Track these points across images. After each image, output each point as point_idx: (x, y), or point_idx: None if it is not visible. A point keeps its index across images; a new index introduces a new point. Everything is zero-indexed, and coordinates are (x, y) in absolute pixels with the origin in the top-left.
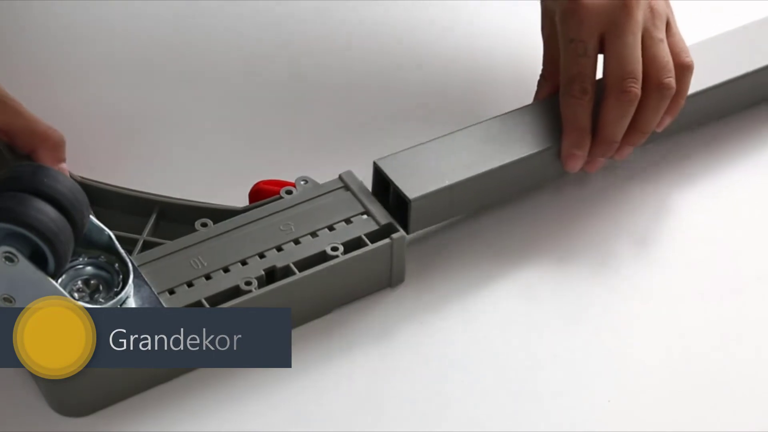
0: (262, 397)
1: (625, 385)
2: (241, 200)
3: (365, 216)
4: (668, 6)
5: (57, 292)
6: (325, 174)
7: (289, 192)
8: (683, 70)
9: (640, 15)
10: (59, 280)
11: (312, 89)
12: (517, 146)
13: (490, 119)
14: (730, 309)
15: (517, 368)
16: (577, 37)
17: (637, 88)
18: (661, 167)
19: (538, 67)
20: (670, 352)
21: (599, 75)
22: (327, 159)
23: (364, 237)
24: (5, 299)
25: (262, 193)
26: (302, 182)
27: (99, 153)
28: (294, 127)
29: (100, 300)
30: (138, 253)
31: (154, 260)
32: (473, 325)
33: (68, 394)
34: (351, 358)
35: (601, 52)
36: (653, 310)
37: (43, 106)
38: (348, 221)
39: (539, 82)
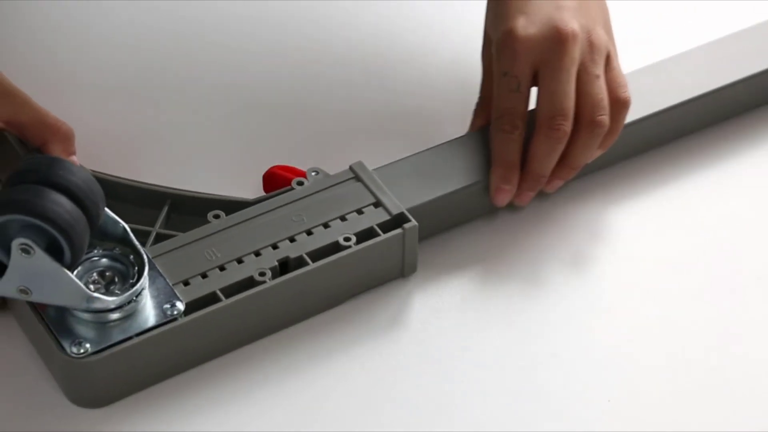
0: (277, 386)
1: (625, 385)
2: (252, 192)
3: (377, 206)
4: (610, 39)
5: (73, 284)
6: (336, 165)
7: (300, 183)
8: (619, 105)
9: (576, 50)
10: (75, 272)
11: (323, 81)
12: (448, 180)
13: (421, 152)
14: (728, 309)
15: (519, 365)
16: (511, 71)
17: (566, 126)
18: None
19: None
20: (669, 352)
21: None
22: (338, 150)
23: (376, 227)
24: (21, 291)
25: (276, 178)
26: (313, 173)
27: (110, 146)
28: (305, 119)
29: (116, 292)
30: (151, 245)
31: (168, 252)
32: (483, 316)
33: (83, 384)
34: (364, 347)
35: (535, 85)
36: (653, 311)
37: (53, 100)
38: (359, 212)
39: (475, 111)
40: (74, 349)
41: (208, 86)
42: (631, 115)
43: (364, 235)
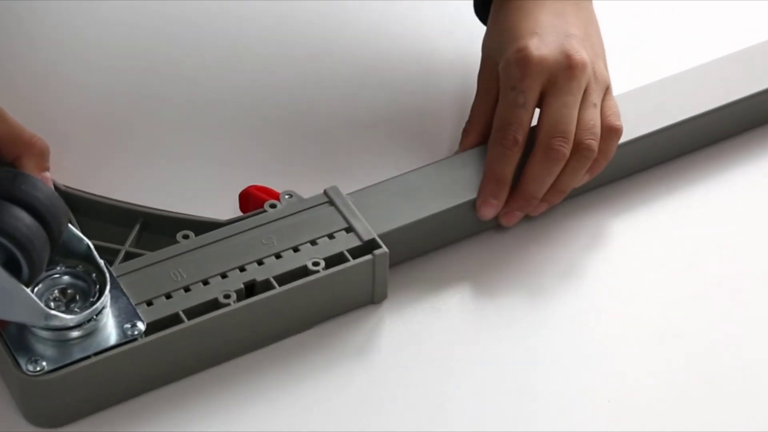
0: (240, 411)
1: (625, 385)
2: (227, 213)
3: (348, 231)
4: (607, 69)
5: (30, 301)
6: (312, 188)
7: (273, 206)
8: (611, 132)
9: (583, 79)
10: (35, 289)
11: (299, 104)
12: (422, 206)
13: (396, 177)
14: (730, 310)
15: (493, 391)
16: (519, 86)
17: (566, 149)
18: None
19: None
20: (669, 352)
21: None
22: (314, 173)
23: (346, 252)
24: None
25: (251, 197)
26: (287, 196)
27: (84, 162)
28: (281, 140)
29: (76, 310)
30: (118, 264)
31: (133, 271)
32: (457, 341)
33: (39, 403)
34: (331, 374)
35: (538, 107)
36: (652, 312)
37: (27, 114)
38: (331, 236)
39: (465, 129)
40: (30, 367)
41: (190, 103)
42: (627, 135)
43: (334, 260)
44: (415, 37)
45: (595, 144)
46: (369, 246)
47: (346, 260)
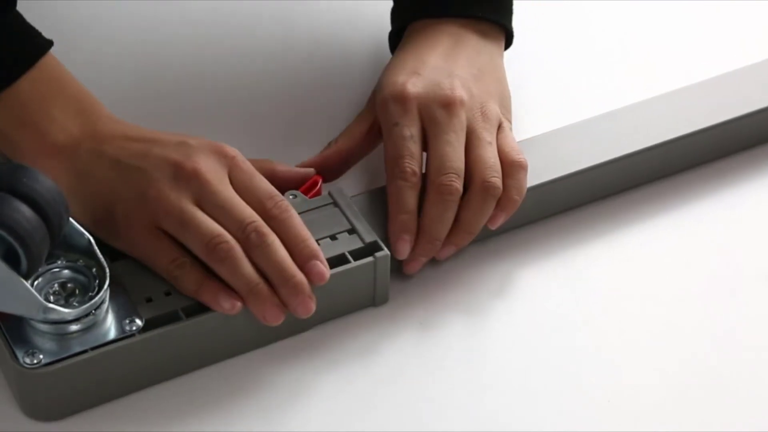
0: (238, 411)
1: (625, 385)
2: None
3: (351, 233)
4: (507, 113)
5: (29, 294)
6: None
7: None
8: (516, 167)
9: (462, 114)
10: (35, 282)
11: (305, 105)
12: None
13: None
14: (730, 310)
15: (513, 376)
16: (401, 121)
17: (457, 183)
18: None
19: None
20: (669, 352)
21: None
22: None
23: (347, 254)
24: None
25: None
26: (291, 196)
27: None
28: (285, 141)
29: (75, 304)
30: (120, 260)
31: (134, 267)
32: (457, 345)
33: (35, 396)
34: (332, 375)
35: (424, 148)
36: (653, 312)
37: None
38: (333, 237)
39: (330, 143)
40: (27, 360)
41: (191, 104)
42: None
43: (335, 261)
44: None
45: (498, 181)
46: (371, 248)
47: (348, 262)
